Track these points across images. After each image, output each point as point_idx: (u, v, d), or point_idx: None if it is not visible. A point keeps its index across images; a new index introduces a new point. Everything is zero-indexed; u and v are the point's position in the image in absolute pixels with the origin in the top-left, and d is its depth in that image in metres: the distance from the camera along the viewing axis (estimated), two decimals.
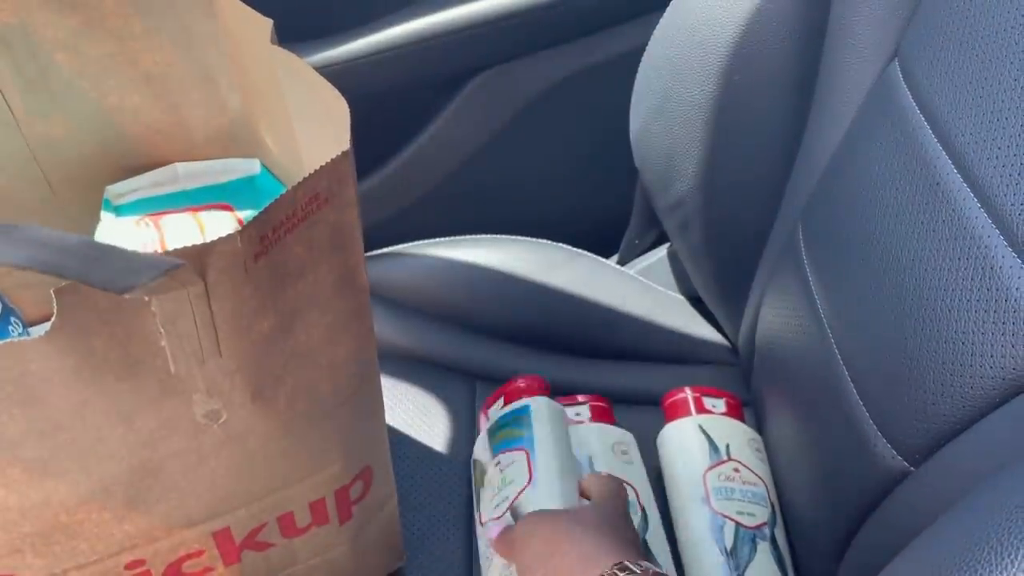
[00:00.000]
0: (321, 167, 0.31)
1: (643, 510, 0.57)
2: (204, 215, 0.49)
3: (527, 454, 0.55)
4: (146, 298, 0.30)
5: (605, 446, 0.59)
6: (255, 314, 0.33)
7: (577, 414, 0.61)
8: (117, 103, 0.48)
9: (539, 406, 0.58)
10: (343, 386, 0.39)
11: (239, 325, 0.32)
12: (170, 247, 0.47)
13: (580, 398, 0.63)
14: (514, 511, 0.52)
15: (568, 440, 0.58)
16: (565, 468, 0.55)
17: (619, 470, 0.58)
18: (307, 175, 0.31)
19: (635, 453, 0.61)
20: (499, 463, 0.56)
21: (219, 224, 0.49)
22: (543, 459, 0.54)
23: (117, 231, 0.48)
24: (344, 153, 0.32)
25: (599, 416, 0.61)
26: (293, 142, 0.43)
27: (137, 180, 0.51)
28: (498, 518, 0.53)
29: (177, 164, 0.51)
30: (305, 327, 0.35)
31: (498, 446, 0.57)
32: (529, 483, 0.53)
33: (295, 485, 0.41)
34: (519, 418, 0.58)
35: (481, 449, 0.59)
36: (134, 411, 0.33)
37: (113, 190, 0.51)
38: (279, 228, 0.31)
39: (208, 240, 0.29)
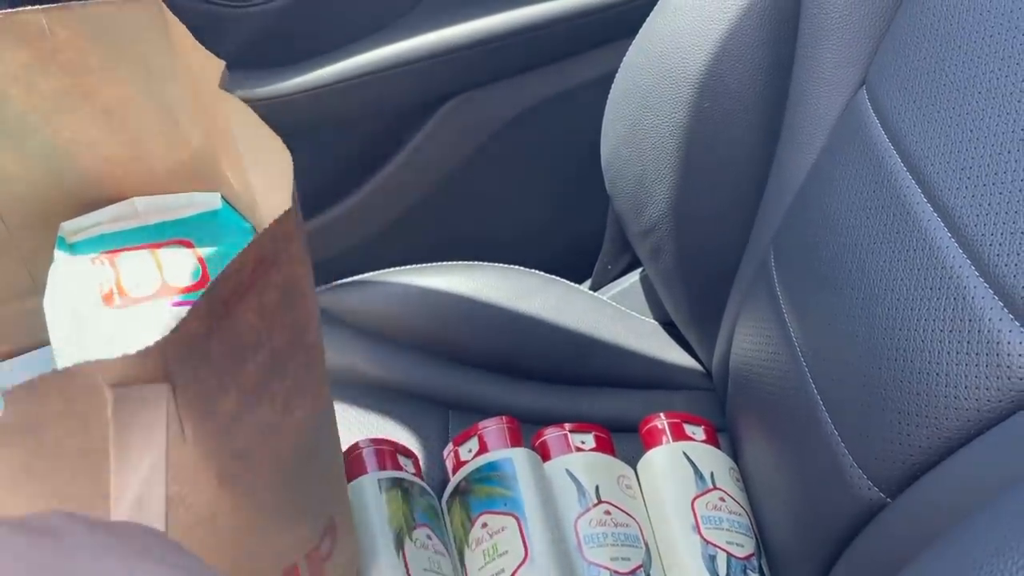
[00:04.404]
0: (263, 231, 0.30)
1: (647, 545, 0.56)
2: (162, 252, 0.47)
3: (518, 522, 0.54)
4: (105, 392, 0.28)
5: (611, 477, 0.58)
6: (216, 394, 0.31)
7: (582, 442, 0.60)
8: (73, 137, 0.47)
9: (521, 461, 0.57)
10: (304, 445, 0.38)
11: (202, 409, 0.31)
12: (126, 287, 0.45)
13: (585, 426, 0.61)
14: None
15: (551, 494, 0.56)
16: (556, 536, 0.54)
17: (625, 504, 0.57)
18: (249, 242, 0.30)
19: (636, 488, 0.59)
20: (486, 525, 0.54)
21: (178, 261, 0.47)
22: (536, 530, 0.53)
23: (71, 270, 0.47)
24: (287, 212, 0.31)
25: (603, 447, 0.60)
26: (250, 182, 0.42)
27: (94, 216, 0.50)
28: None
29: (136, 199, 0.50)
30: (269, 398, 0.34)
31: (481, 503, 0.56)
32: (526, 559, 0.52)
33: (265, 556, 0.40)
34: (501, 475, 0.56)
35: (457, 495, 0.57)
36: (92, 504, 0.32)
37: (68, 227, 0.49)
38: (229, 301, 0.30)
39: (162, 330, 0.28)
